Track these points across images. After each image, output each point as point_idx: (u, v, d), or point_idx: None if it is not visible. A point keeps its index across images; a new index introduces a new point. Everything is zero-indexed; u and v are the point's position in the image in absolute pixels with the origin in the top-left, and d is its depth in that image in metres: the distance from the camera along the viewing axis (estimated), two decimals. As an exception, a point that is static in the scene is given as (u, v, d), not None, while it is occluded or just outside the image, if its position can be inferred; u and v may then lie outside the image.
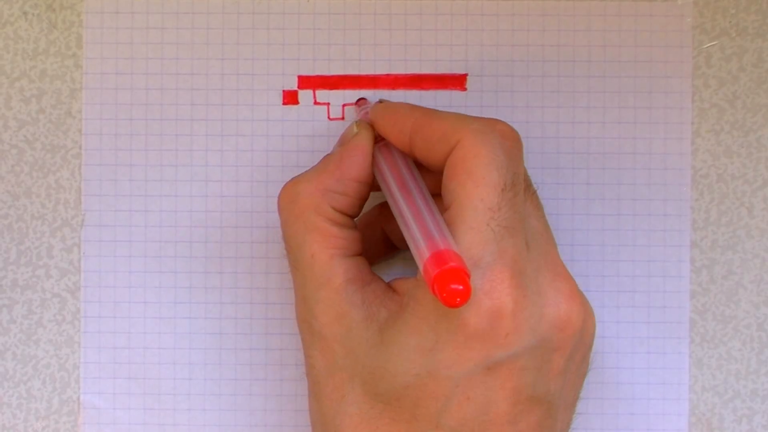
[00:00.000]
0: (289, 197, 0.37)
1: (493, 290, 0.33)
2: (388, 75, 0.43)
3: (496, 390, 0.33)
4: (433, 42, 0.43)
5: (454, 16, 0.43)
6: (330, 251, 0.36)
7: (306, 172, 0.37)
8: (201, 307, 0.43)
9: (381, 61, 0.43)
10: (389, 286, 0.36)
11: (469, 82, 0.43)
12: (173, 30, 0.43)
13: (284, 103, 0.43)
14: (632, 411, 0.43)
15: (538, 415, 0.34)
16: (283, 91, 0.43)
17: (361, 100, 0.42)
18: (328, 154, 0.38)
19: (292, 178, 0.37)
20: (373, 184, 0.38)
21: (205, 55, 0.43)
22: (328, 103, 0.43)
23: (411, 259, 0.42)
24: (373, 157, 0.37)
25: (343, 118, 0.43)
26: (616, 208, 0.43)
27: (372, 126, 0.38)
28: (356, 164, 0.37)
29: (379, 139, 0.38)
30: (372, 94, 0.43)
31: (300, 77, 0.43)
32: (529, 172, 0.43)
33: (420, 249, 0.33)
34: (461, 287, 0.31)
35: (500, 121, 0.36)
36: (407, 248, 0.40)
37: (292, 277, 0.37)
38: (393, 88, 0.43)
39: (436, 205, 0.35)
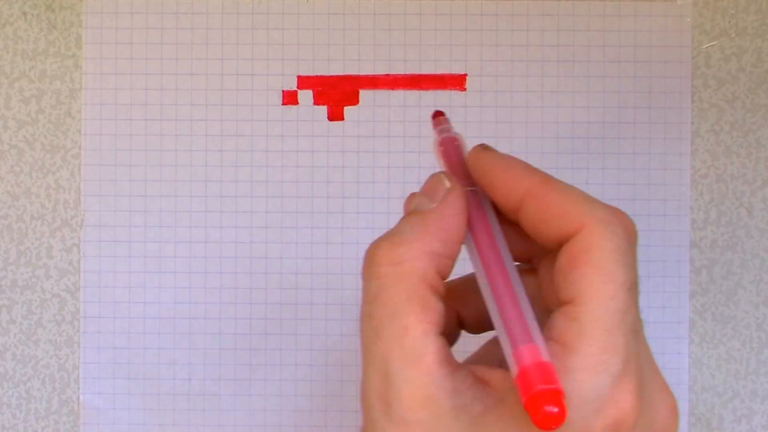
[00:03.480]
0: (389, 260, 0.33)
1: (620, 401, 0.31)
2: (387, 75, 0.43)
3: None
4: (432, 42, 0.43)
5: (454, 16, 0.43)
6: (425, 326, 0.32)
7: (397, 232, 0.33)
8: (200, 307, 0.43)
9: (380, 61, 0.43)
10: (476, 374, 0.33)
11: (469, 82, 0.43)
12: (173, 30, 0.43)
13: (284, 104, 0.43)
14: (632, 411, 0.43)
15: None
16: (283, 91, 0.43)
17: (438, 117, 0.38)
18: (420, 212, 0.34)
19: (386, 237, 0.33)
20: None
21: (205, 56, 0.43)
22: (328, 104, 0.43)
23: None
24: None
25: (342, 119, 0.43)
26: (615, 208, 0.43)
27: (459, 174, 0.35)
28: (459, 225, 0.33)
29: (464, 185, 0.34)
30: (372, 94, 0.43)
31: (299, 77, 0.43)
32: (529, 172, 0.43)
33: (518, 350, 0.30)
34: (556, 410, 0.29)
35: (623, 212, 0.34)
36: (478, 333, 0.37)
37: (365, 347, 0.33)
38: (392, 88, 0.43)
39: (525, 292, 0.32)
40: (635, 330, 0.32)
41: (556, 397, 0.29)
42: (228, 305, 0.43)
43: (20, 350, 0.43)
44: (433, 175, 0.35)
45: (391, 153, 0.43)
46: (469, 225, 0.34)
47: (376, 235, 0.33)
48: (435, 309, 0.32)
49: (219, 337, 0.43)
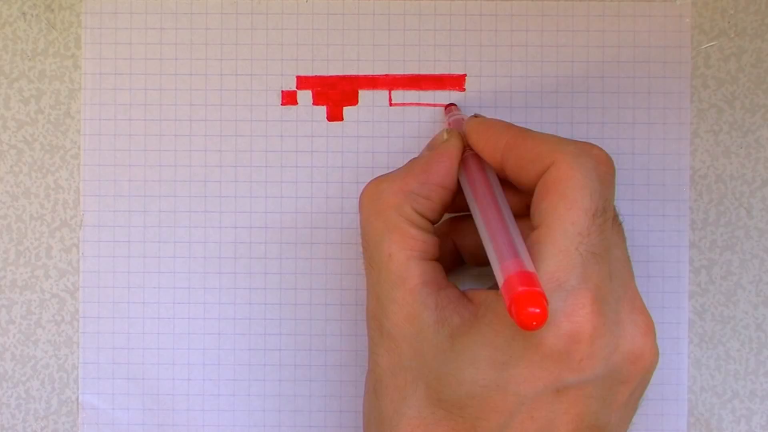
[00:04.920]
0: (371, 195, 0.37)
1: (574, 314, 0.33)
2: (386, 75, 0.43)
3: (560, 414, 0.33)
4: (431, 42, 0.43)
5: (453, 16, 0.43)
6: (407, 252, 0.36)
7: (391, 172, 0.37)
8: (200, 307, 0.43)
9: (380, 62, 0.43)
10: (464, 294, 0.36)
11: (468, 83, 0.43)
12: (172, 30, 0.43)
13: (283, 104, 0.43)
14: (631, 411, 0.43)
15: None
16: (282, 91, 0.43)
17: (450, 106, 0.42)
18: (415, 158, 0.38)
19: (377, 177, 0.37)
20: (455, 199, 0.38)
21: (204, 56, 0.43)
22: (327, 104, 0.43)
23: (483, 276, 0.42)
24: (461, 165, 0.37)
25: (342, 119, 0.43)
26: (614, 209, 0.43)
27: (462, 135, 0.38)
28: (443, 170, 0.37)
29: (466, 148, 0.38)
30: (371, 95, 0.43)
31: (299, 78, 0.43)
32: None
33: (504, 264, 0.32)
34: (538, 311, 0.30)
35: (596, 146, 0.36)
36: (476, 265, 0.41)
37: (365, 274, 0.37)
38: (392, 89, 0.43)
39: (517, 225, 0.35)
40: (597, 253, 0.33)
41: (538, 298, 0.31)
42: (227, 305, 0.43)
43: (19, 350, 0.43)
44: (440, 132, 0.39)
45: (390, 153, 0.43)
46: (468, 176, 0.37)
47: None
48: (416, 238, 0.36)
49: (218, 338, 0.43)
